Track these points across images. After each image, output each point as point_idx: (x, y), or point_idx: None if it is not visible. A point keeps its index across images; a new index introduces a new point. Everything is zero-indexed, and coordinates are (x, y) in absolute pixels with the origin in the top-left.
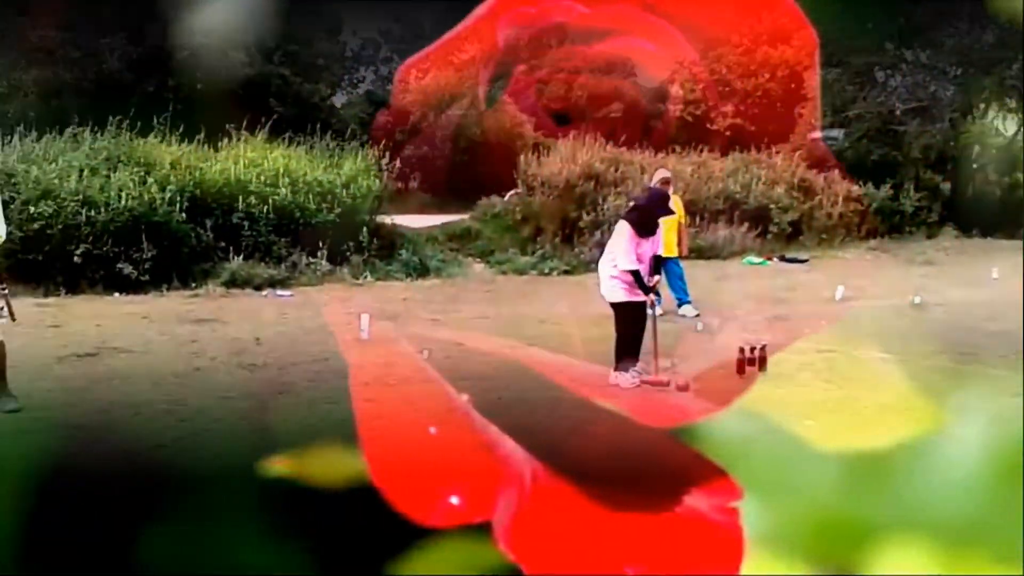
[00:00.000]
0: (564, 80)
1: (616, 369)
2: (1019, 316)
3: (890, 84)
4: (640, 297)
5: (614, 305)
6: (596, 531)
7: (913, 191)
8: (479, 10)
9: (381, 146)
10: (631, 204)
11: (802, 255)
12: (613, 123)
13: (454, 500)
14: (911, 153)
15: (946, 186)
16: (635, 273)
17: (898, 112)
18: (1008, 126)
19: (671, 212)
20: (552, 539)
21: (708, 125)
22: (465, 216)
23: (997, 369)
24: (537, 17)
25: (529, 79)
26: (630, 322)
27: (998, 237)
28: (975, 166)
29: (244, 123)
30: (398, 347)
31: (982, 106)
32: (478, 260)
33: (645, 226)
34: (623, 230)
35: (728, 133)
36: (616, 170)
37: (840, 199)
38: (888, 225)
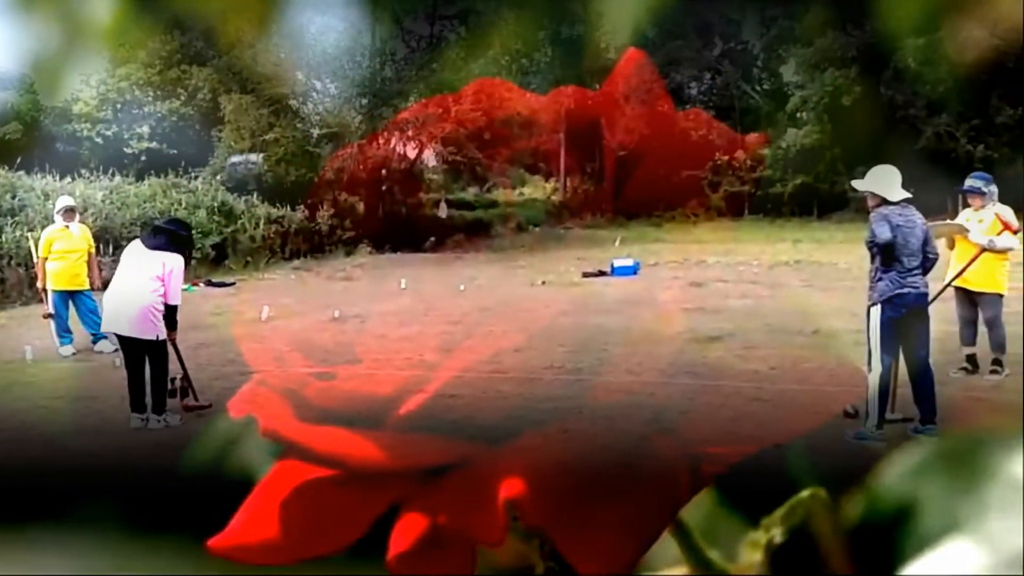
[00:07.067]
0: None
1: (162, 412)
2: (425, 320)
3: (303, 111)
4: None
5: (152, 344)
6: None
7: (328, 212)
8: None
9: None
10: (172, 231)
11: (228, 279)
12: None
13: None
14: (326, 176)
15: (360, 206)
16: (175, 310)
17: (314, 137)
18: None
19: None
20: None
21: (124, 148)
22: None
23: (403, 371)
24: None
25: None
26: (166, 357)
27: (406, 252)
28: (384, 187)
29: None
30: None
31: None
32: None
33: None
34: (177, 264)
35: (144, 158)
36: (14, 197)
37: (261, 221)
38: (309, 245)
